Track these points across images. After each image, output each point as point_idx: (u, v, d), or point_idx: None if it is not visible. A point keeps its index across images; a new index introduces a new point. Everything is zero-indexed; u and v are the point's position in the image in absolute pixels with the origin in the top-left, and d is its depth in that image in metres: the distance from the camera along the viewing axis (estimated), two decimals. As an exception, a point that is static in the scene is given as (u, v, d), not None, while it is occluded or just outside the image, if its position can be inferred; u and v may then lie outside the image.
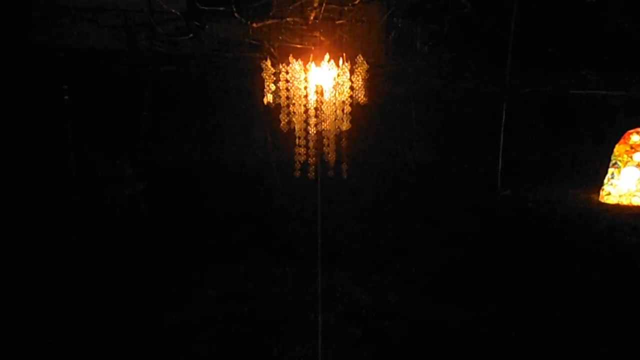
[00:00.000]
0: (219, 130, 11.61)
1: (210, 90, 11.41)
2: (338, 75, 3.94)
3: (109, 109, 10.63)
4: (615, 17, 11.89)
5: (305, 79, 3.95)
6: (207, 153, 11.59)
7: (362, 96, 4.01)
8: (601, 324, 5.66)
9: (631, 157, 9.79)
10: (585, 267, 7.01)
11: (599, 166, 10.26)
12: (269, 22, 9.00)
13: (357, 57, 3.99)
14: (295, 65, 3.91)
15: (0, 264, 6.84)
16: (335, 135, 4.03)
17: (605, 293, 6.30)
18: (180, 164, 11.21)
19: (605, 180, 9.91)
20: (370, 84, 4.06)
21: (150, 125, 11.26)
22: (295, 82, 3.93)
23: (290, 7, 8.99)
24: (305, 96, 3.97)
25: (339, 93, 3.95)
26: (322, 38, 8.83)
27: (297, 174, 4.10)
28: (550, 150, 12.15)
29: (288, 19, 9.01)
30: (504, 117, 10.46)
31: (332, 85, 3.94)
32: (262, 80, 4.01)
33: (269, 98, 4.02)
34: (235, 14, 8.85)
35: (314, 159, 4.07)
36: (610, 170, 9.89)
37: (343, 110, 4.00)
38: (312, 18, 8.86)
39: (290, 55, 3.96)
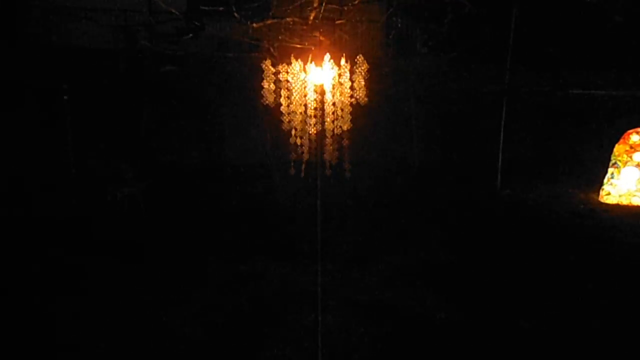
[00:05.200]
0: (219, 130, 11.61)
1: (211, 91, 11.41)
2: (338, 75, 3.95)
3: (109, 108, 10.64)
4: (615, 17, 11.89)
5: (305, 79, 3.95)
6: (207, 153, 11.60)
7: (362, 96, 4.02)
8: (601, 323, 5.65)
9: (631, 157, 9.80)
10: (585, 267, 7.01)
11: (598, 166, 10.27)
12: (269, 22, 8.98)
13: (357, 57, 3.99)
14: (295, 65, 3.92)
15: (1, 263, 6.84)
16: (336, 135, 4.04)
17: (605, 293, 6.30)
18: (180, 163, 11.21)
19: (605, 180, 9.91)
20: (370, 84, 4.06)
21: (150, 125, 11.26)
22: (295, 82, 3.93)
23: (290, 7, 8.98)
24: (305, 96, 3.97)
25: (339, 93, 3.95)
26: (322, 38, 8.83)
27: (297, 173, 4.10)
28: (550, 150, 12.16)
29: (288, 19, 9.00)
30: (504, 117, 10.47)
31: (332, 85, 3.95)
32: (262, 80, 4.01)
33: (269, 98, 4.02)
34: (235, 14, 8.84)
35: (314, 158, 4.08)
36: (610, 170, 9.89)
37: (343, 110, 4.01)
38: (312, 18, 8.85)
39: (291, 55, 3.96)
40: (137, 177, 9.02)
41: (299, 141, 4.05)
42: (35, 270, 6.70)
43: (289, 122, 4.02)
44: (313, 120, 3.99)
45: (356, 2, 9.29)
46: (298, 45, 8.68)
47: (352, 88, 3.97)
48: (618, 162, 9.84)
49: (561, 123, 12.23)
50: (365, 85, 4.00)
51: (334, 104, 3.97)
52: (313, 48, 8.31)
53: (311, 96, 3.97)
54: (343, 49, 4.27)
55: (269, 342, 5.23)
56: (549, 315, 5.80)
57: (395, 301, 6.11)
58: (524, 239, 8.00)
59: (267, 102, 4.03)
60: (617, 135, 10.10)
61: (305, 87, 3.96)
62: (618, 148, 9.92)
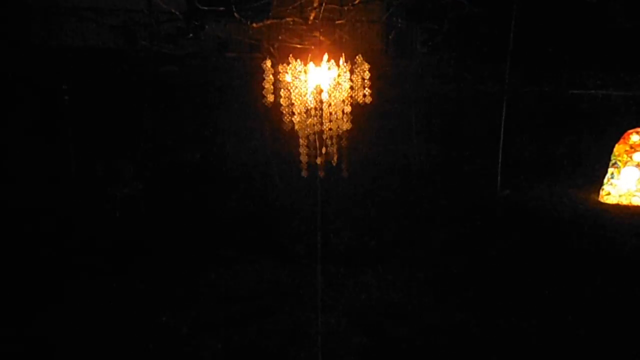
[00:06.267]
0: (219, 130, 11.60)
1: (210, 90, 11.40)
2: (338, 75, 3.95)
3: (109, 109, 10.63)
4: (615, 16, 11.88)
5: (305, 79, 3.96)
6: (207, 153, 11.59)
7: (362, 96, 4.02)
8: (601, 324, 5.65)
9: (631, 157, 9.79)
10: (585, 268, 7.01)
11: (598, 166, 10.26)
12: (269, 22, 8.99)
13: (357, 57, 4.00)
14: (295, 65, 3.92)
15: (0, 263, 6.84)
16: (336, 135, 4.04)
17: (605, 293, 6.30)
18: (180, 163, 11.21)
19: (605, 180, 9.91)
20: (370, 84, 4.07)
21: (150, 125, 11.25)
22: (295, 82, 3.93)
23: (290, 7, 8.98)
24: (305, 96, 3.97)
25: (339, 93, 3.96)
26: (322, 38, 8.82)
27: (298, 173, 4.10)
28: (550, 149, 12.15)
29: (288, 19, 9.00)
30: (504, 117, 10.45)
31: (332, 85, 3.95)
32: (262, 80, 4.02)
33: (269, 98, 4.02)
34: (235, 14, 8.84)
35: (313, 158, 4.08)
36: (610, 170, 9.88)
37: (343, 110, 4.01)
38: (312, 18, 8.84)
39: (290, 55, 3.96)
40: (136, 177, 9.01)
41: (298, 142, 4.05)
42: (33, 271, 6.70)
43: (289, 122, 4.03)
44: (313, 121, 3.99)
45: (356, 2, 9.28)
46: (298, 45, 8.68)
47: (351, 88, 3.98)
48: (618, 162, 9.83)
49: (561, 123, 12.22)
50: (364, 85, 4.01)
51: (333, 104, 3.98)
52: (313, 48, 8.31)
53: (311, 96, 3.98)
54: (343, 49, 4.27)
55: (269, 342, 5.23)
56: (550, 316, 5.80)
57: (395, 301, 6.11)
58: (524, 239, 8.00)
59: (267, 102, 4.04)
60: (617, 135, 10.09)
61: (305, 87, 3.96)
62: (618, 148, 9.92)
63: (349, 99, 3.98)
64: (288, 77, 3.94)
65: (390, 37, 11.94)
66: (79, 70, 10.56)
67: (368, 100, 4.04)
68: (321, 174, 4.10)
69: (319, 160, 4.09)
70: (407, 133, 12.06)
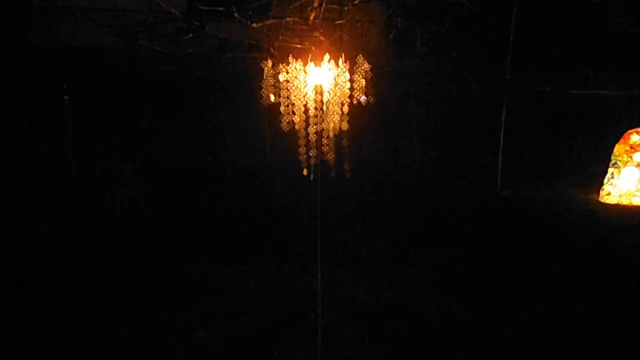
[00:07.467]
0: (219, 130, 11.61)
1: (211, 90, 11.41)
2: (338, 75, 3.95)
3: (109, 109, 10.64)
4: (616, 16, 11.89)
5: (305, 79, 3.96)
6: (207, 153, 11.60)
7: (362, 96, 4.02)
8: (601, 323, 5.66)
9: (631, 157, 9.78)
10: (585, 267, 7.01)
11: (598, 166, 10.26)
12: (269, 22, 8.98)
13: (357, 57, 4.00)
14: (295, 65, 3.92)
15: (0, 263, 6.84)
16: (335, 135, 4.04)
17: (605, 293, 6.30)
18: (180, 163, 11.21)
19: (605, 180, 9.90)
20: (370, 84, 4.07)
21: (150, 125, 11.26)
22: (295, 82, 3.93)
23: (290, 7, 8.98)
24: (305, 96, 3.97)
25: (339, 93, 3.96)
26: (322, 38, 8.82)
27: (297, 173, 4.11)
28: (550, 150, 12.15)
29: (288, 19, 9.00)
30: (504, 117, 10.45)
31: (332, 85, 3.95)
32: (262, 80, 4.02)
33: (268, 98, 4.02)
34: (235, 14, 8.84)
35: (313, 158, 4.08)
36: (610, 170, 9.87)
37: (343, 110, 4.01)
38: (312, 18, 8.84)
39: (290, 55, 3.97)
40: (137, 177, 9.01)
41: (298, 141, 4.05)
42: (32, 272, 6.70)
43: (289, 122, 4.03)
44: (313, 120, 4.00)
45: (356, 2, 9.28)
46: (298, 45, 8.68)
47: (351, 88, 3.98)
48: (618, 162, 9.82)
49: (561, 123, 12.22)
50: (365, 85, 4.01)
51: (333, 104, 3.98)
52: (313, 48, 8.31)
53: (311, 96, 3.98)
54: (343, 49, 4.28)
55: (269, 342, 5.23)
56: (550, 315, 5.80)
57: (396, 301, 6.11)
58: (524, 239, 7.99)
59: (266, 102, 4.04)
60: (617, 135, 10.09)
61: (304, 87, 3.96)
62: (618, 148, 9.91)
63: (349, 99, 3.98)
64: (288, 77, 3.94)
65: (390, 37, 11.94)
66: (79, 70, 10.57)
67: (368, 99, 4.04)
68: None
69: (318, 160, 4.09)
70: (407, 133, 12.06)
